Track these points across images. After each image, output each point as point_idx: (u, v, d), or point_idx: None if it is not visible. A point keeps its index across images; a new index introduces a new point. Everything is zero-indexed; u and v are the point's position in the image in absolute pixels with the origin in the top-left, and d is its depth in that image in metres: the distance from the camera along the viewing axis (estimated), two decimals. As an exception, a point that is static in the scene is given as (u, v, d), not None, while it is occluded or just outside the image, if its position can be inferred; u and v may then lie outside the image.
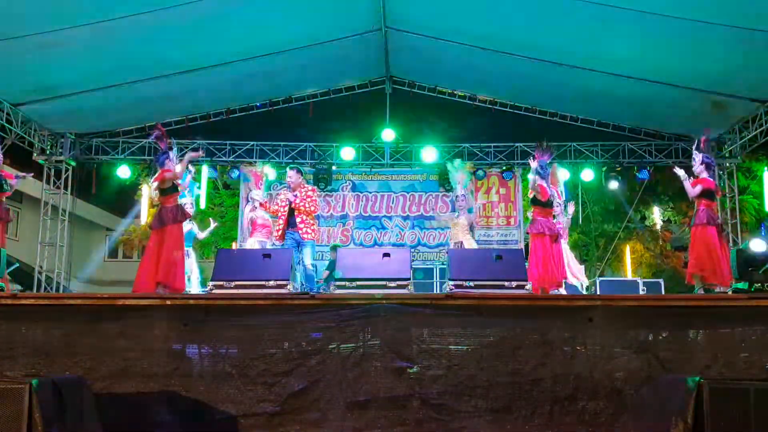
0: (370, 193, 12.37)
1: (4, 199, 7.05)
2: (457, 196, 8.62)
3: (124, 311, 4.57)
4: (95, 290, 16.97)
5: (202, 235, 8.92)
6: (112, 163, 12.12)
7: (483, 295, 4.75)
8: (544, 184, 6.94)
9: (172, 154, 6.42)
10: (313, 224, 7.53)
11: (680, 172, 6.71)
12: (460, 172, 8.75)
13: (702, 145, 6.88)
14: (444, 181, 12.02)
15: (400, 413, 4.27)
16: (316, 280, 7.77)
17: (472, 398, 4.31)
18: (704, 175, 6.71)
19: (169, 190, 6.24)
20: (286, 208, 7.33)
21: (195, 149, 7.93)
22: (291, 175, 7.52)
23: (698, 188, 6.62)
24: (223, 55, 9.79)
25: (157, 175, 6.28)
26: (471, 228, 8.53)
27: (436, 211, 12.12)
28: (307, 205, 7.32)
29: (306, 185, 7.81)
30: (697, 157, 6.77)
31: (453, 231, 8.50)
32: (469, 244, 8.24)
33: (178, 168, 6.34)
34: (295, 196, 7.33)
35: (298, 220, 7.27)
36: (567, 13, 8.31)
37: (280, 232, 7.37)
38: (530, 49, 9.60)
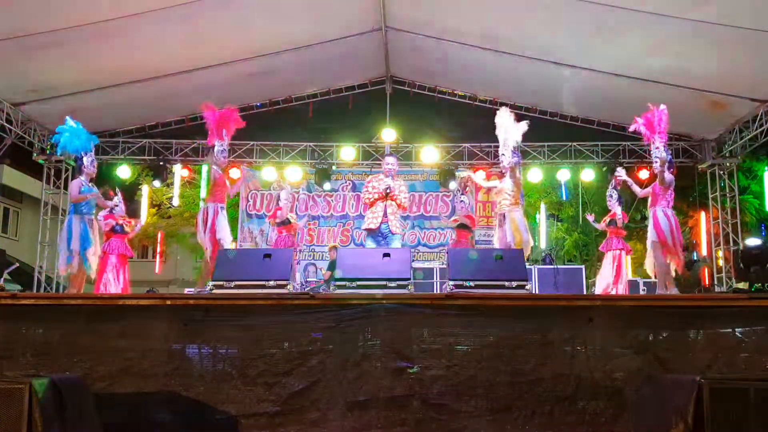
0: (371, 192, 12.31)
1: (126, 240, 8.16)
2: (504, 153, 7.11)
3: (124, 311, 4.57)
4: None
5: (105, 202, 7.70)
6: (112, 163, 12.09)
7: (483, 295, 4.73)
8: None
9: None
10: (399, 218, 7.06)
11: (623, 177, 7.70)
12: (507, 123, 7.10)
13: (617, 185, 8.54)
14: (444, 181, 12.03)
15: (400, 413, 4.26)
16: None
17: (472, 398, 4.30)
18: (617, 209, 8.36)
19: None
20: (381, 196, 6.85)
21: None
22: (393, 162, 7.01)
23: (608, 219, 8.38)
24: (223, 55, 9.78)
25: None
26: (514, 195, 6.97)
27: (437, 211, 12.09)
28: (401, 198, 6.92)
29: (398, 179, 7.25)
30: (614, 194, 8.55)
31: (499, 201, 7.17)
32: (512, 222, 6.81)
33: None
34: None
35: (389, 210, 6.86)
36: (567, 13, 8.31)
37: (378, 222, 6.82)
38: (530, 49, 9.59)
